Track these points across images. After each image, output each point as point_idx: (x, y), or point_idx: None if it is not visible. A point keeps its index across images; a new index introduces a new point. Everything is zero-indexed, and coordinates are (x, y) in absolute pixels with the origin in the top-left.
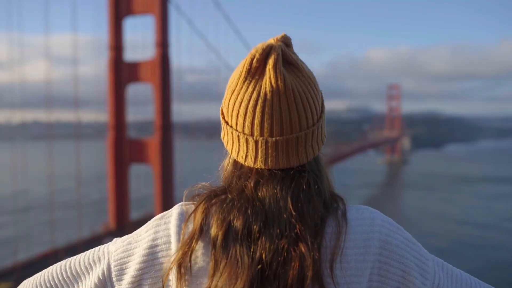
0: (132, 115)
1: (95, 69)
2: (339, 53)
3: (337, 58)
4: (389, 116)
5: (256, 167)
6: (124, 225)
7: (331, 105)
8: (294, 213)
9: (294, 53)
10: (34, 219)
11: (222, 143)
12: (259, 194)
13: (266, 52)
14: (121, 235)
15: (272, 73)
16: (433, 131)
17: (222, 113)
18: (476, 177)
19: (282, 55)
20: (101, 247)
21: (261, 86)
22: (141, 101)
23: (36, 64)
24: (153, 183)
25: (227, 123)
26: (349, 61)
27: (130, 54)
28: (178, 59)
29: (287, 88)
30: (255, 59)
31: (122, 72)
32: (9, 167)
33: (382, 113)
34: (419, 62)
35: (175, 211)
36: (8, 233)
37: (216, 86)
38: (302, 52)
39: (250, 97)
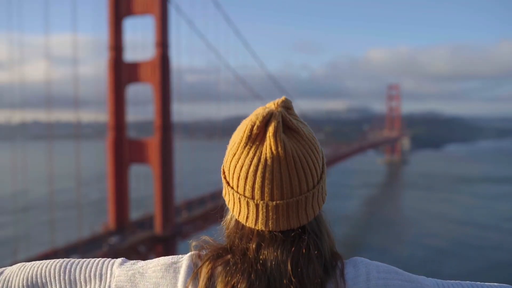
0: (132, 115)
1: (95, 69)
2: (339, 53)
3: (337, 58)
4: (389, 116)
5: (257, 229)
6: (124, 225)
7: (331, 105)
8: (293, 279)
9: (295, 115)
10: (34, 219)
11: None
12: (260, 257)
13: (267, 120)
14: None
15: (272, 140)
16: (433, 131)
17: (224, 173)
18: (476, 177)
19: (282, 121)
20: (106, 262)
21: (261, 152)
22: (141, 101)
23: (36, 64)
24: (153, 183)
25: (228, 183)
26: (349, 61)
27: (130, 54)
28: (178, 59)
29: (287, 154)
30: (255, 126)
31: (122, 72)
32: (9, 167)
33: (382, 113)
34: (419, 62)
35: (185, 263)
36: (8, 233)
37: (216, 86)
38: (302, 52)
39: (251, 162)
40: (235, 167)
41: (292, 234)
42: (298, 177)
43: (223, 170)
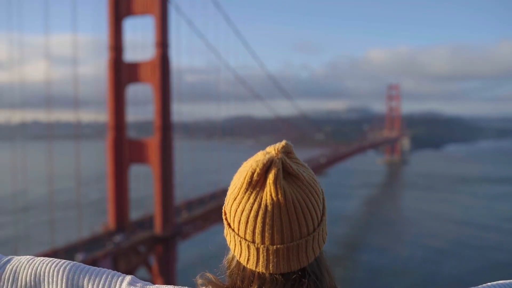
0: (132, 115)
1: (95, 69)
2: (339, 53)
3: (337, 58)
4: (389, 116)
5: (258, 271)
6: (124, 225)
7: (331, 105)
8: None
9: (296, 159)
10: (34, 219)
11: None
12: None
13: (267, 167)
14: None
15: (272, 187)
16: (433, 131)
17: (225, 214)
18: (476, 178)
19: (283, 167)
20: (115, 277)
21: (261, 198)
22: (141, 101)
23: (36, 64)
24: (153, 183)
25: (229, 225)
26: (349, 61)
27: (130, 55)
28: (178, 59)
29: (287, 200)
30: (255, 173)
31: (122, 73)
32: (9, 167)
33: (382, 113)
34: (419, 62)
35: None
36: (8, 233)
37: (216, 86)
38: (302, 52)
39: (252, 207)
40: (236, 211)
41: (293, 276)
42: (298, 222)
43: (225, 211)
